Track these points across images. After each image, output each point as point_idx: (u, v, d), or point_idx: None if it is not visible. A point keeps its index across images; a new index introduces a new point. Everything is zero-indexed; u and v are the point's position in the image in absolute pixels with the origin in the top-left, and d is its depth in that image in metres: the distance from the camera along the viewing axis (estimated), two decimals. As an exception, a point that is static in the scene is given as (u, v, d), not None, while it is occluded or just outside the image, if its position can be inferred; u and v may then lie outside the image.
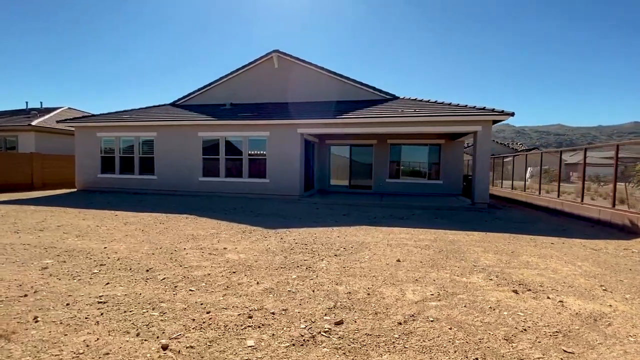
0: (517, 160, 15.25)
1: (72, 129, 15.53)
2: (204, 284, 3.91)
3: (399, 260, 5.02)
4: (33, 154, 15.80)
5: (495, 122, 11.28)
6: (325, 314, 3.18)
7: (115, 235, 6.33)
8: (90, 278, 4.02)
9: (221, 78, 16.09)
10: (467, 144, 23.99)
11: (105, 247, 5.46)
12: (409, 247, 5.84)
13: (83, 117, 14.95)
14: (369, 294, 3.70)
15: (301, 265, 4.68)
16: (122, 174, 14.39)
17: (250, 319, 3.05)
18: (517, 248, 5.99)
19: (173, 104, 16.84)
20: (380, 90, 14.86)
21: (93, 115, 15.11)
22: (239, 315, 3.13)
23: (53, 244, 5.63)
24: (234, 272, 4.35)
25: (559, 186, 10.33)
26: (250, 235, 6.64)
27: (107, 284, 3.85)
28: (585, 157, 9.07)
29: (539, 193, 11.59)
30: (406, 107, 12.76)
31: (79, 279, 3.97)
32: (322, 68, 15.02)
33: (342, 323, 3.02)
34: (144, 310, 3.18)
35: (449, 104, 12.76)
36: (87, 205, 10.41)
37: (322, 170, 16.06)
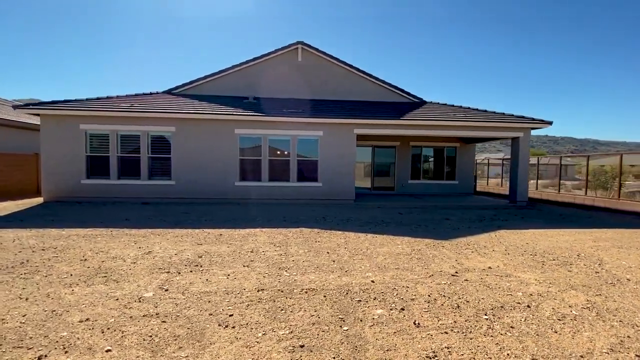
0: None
1: (31, 119, 11.31)
2: None
3: (657, 264, 5.22)
4: (-41, 151, 10.90)
5: (532, 128, 12.65)
6: None
7: (325, 264, 4.88)
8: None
9: (234, 66, 13.88)
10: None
11: (372, 281, 4.17)
12: (614, 250, 6.11)
13: (55, 102, 10.91)
14: None
15: (627, 281, 4.44)
16: (122, 178, 11.13)
17: None
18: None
19: (169, 92, 13.78)
20: (408, 93, 15.04)
21: (70, 101, 11.17)
22: None
23: (333, 287, 4.02)
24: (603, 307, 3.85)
25: (586, 185, 12.27)
26: (444, 249, 5.96)
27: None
28: (621, 162, 11.00)
29: (559, 191, 13.55)
30: (445, 112, 13.25)
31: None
32: (352, 66, 14.39)
33: None
34: None
35: (485, 111, 13.75)
36: (125, 224, 7.68)
37: (343, 172, 15.38)
